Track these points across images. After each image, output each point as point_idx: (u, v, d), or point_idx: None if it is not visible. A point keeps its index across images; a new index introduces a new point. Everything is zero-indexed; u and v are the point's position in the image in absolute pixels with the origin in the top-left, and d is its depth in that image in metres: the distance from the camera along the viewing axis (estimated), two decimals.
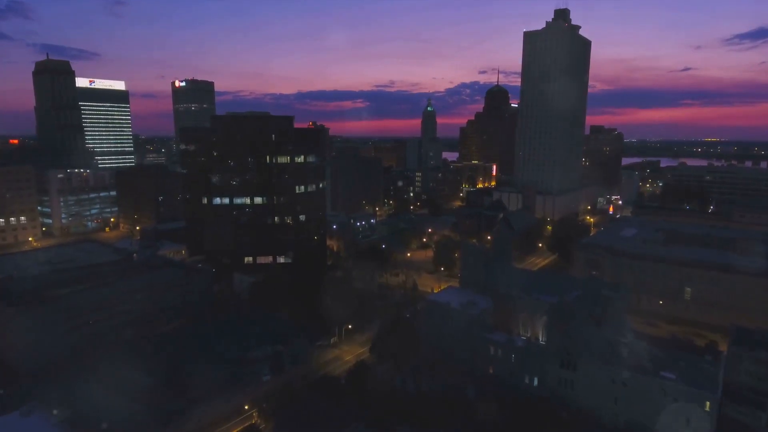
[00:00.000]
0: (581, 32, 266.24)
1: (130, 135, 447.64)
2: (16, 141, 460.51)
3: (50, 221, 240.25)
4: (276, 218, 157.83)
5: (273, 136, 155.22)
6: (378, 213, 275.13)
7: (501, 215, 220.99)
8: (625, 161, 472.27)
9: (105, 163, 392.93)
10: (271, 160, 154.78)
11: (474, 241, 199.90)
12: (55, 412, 79.85)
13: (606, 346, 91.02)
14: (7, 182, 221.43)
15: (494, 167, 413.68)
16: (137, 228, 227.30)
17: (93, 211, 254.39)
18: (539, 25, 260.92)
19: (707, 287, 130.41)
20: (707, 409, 76.63)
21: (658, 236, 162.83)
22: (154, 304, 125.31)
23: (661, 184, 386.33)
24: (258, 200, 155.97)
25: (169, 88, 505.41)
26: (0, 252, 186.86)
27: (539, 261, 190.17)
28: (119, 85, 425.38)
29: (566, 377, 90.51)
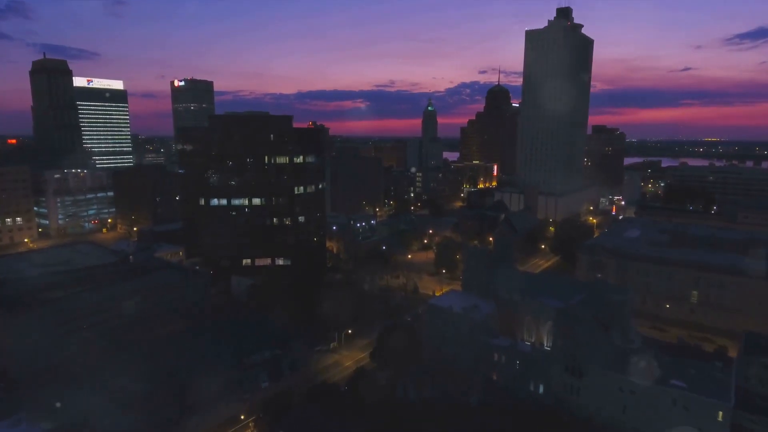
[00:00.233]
0: (583, 31, 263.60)
1: (128, 135, 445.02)
2: (14, 141, 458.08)
3: (47, 222, 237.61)
4: (275, 219, 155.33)
5: (271, 136, 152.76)
6: (378, 213, 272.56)
7: (503, 216, 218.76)
8: (626, 161, 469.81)
9: (103, 163, 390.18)
10: (269, 160, 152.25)
11: (475, 242, 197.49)
12: (42, 424, 77.06)
13: (613, 352, 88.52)
14: (3, 183, 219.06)
15: (495, 167, 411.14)
16: (134, 229, 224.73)
17: (90, 212, 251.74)
18: (539, 25, 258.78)
19: (714, 290, 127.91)
20: (720, 419, 74.09)
21: (663, 238, 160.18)
22: (150, 308, 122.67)
23: (662, 185, 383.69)
24: (256, 201, 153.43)
25: (169, 88, 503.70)
26: None
27: (542, 263, 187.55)
28: (117, 85, 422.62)
29: (572, 384, 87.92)
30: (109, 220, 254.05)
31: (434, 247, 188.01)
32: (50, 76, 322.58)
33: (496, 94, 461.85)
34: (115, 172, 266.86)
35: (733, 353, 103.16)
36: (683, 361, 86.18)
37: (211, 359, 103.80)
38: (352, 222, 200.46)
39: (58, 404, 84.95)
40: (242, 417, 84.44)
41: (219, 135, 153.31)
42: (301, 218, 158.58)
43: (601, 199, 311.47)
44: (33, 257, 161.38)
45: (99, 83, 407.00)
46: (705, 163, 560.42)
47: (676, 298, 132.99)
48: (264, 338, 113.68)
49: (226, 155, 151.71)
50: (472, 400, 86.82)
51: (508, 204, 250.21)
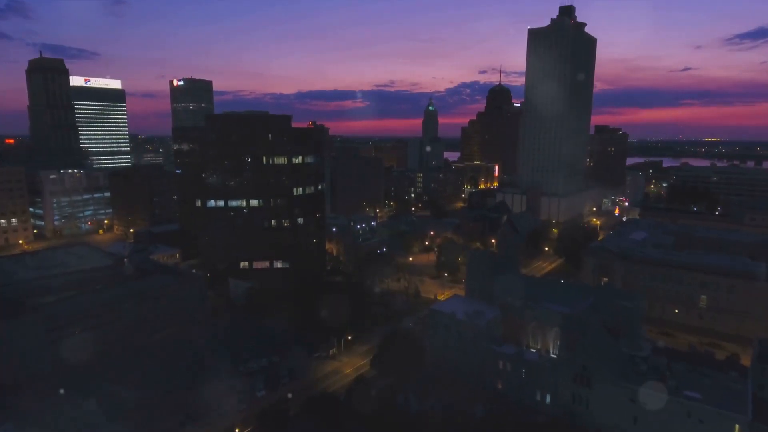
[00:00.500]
0: (586, 30, 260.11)
1: (126, 134, 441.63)
2: (11, 141, 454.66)
3: (42, 223, 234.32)
4: (273, 221, 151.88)
5: (270, 136, 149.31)
6: (378, 214, 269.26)
7: (505, 217, 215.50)
8: (628, 161, 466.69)
9: (100, 163, 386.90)
10: (267, 161, 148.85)
11: (477, 244, 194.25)
12: None
13: (623, 361, 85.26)
14: None
15: (496, 168, 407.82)
16: (131, 230, 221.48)
17: (87, 213, 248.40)
18: (539, 25, 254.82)
19: (724, 294, 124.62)
20: None
21: (669, 240, 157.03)
22: (145, 313, 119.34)
23: (665, 185, 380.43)
24: (254, 202, 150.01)
25: (168, 88, 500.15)
26: None
27: (545, 265, 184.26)
28: (115, 84, 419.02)
29: (581, 394, 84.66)
30: (106, 221, 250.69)
31: (435, 249, 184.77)
32: (46, 75, 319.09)
33: (497, 94, 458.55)
34: (112, 173, 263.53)
35: (745, 361, 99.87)
36: (696, 371, 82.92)
37: (207, 366, 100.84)
38: (352, 223, 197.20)
39: (49, 413, 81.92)
40: (237, 431, 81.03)
41: (216, 135, 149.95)
42: (300, 220, 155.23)
43: (604, 200, 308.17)
44: (27, 260, 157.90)
45: (96, 82, 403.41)
46: (706, 163, 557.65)
47: (684, 303, 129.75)
48: (261, 344, 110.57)
49: (223, 156, 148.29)
50: (476, 411, 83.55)
51: (510, 205, 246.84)
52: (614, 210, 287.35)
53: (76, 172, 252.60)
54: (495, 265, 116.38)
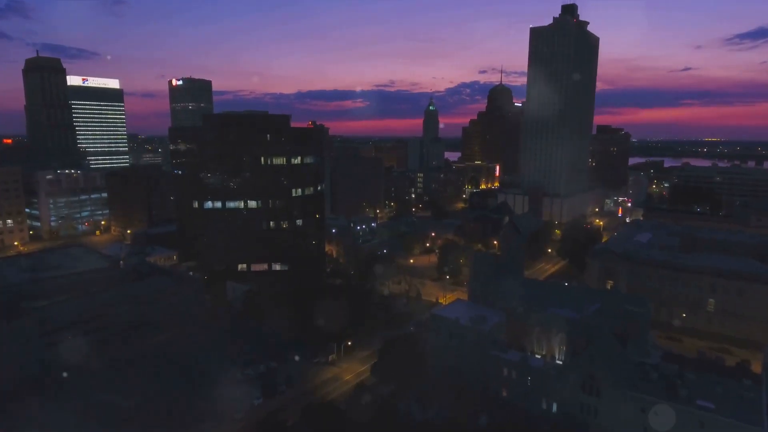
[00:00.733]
0: (589, 28, 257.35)
1: (124, 134, 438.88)
2: (9, 141, 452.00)
3: (39, 224, 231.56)
4: (271, 223, 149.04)
5: (268, 135, 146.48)
6: (379, 215, 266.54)
7: (507, 218, 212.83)
8: (628, 162, 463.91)
9: (98, 163, 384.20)
10: (266, 161, 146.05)
11: (479, 246, 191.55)
12: None
13: (632, 369, 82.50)
14: None
15: (497, 168, 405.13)
16: (128, 231, 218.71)
17: (84, 214, 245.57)
18: (539, 25, 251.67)
19: (733, 298, 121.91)
20: None
21: (675, 241, 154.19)
22: (140, 317, 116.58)
23: (666, 185, 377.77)
24: (252, 204, 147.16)
25: (168, 88, 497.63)
26: None
27: (548, 267, 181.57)
28: (113, 84, 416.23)
29: (589, 403, 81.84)
30: (103, 222, 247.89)
31: (437, 251, 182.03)
32: (43, 74, 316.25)
33: (499, 94, 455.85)
34: (109, 173, 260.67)
35: (756, 367, 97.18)
36: (708, 378, 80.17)
37: (203, 373, 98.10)
38: (352, 225, 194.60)
39: (40, 420, 79.46)
40: None
41: (213, 135, 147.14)
42: (299, 221, 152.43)
43: (606, 201, 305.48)
44: (21, 261, 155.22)
45: (94, 82, 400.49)
46: (707, 163, 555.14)
47: (691, 306, 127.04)
48: (259, 349, 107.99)
49: (220, 156, 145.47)
50: (480, 420, 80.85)
51: (512, 206, 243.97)
52: (617, 211, 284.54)
53: (73, 173, 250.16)
54: (498, 267, 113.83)
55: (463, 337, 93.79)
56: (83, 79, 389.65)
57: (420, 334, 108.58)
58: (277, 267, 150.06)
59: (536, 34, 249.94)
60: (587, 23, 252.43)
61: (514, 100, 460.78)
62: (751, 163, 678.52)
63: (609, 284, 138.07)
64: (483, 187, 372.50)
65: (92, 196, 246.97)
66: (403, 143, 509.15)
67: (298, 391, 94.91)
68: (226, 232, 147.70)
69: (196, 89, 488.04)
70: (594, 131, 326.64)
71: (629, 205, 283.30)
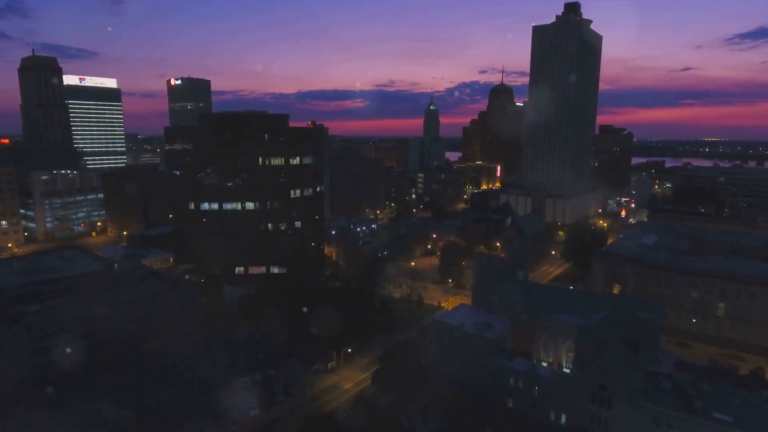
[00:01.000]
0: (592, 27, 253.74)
1: (122, 134, 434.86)
2: (7, 141, 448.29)
3: (34, 225, 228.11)
4: (269, 225, 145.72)
5: (266, 135, 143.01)
6: (379, 216, 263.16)
7: (509, 220, 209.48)
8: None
9: (95, 163, 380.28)
10: (263, 161, 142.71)
11: (482, 247, 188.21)
12: None
13: (644, 379, 79.14)
14: None
15: (498, 168, 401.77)
16: (124, 233, 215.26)
17: (80, 215, 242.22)
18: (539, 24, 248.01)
19: (743, 303, 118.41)
20: None
21: (682, 244, 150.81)
22: (134, 322, 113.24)
23: (668, 186, 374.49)
24: (250, 205, 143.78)
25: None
26: None
27: (552, 270, 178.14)
28: (111, 83, 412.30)
29: (600, 415, 78.43)
30: (99, 223, 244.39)
31: (438, 253, 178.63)
32: (39, 73, 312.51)
33: (500, 93, 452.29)
34: (105, 173, 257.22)
35: None
36: (724, 389, 76.89)
37: (197, 381, 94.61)
38: (352, 226, 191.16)
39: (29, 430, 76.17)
40: None
41: (209, 135, 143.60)
42: (298, 223, 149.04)
43: (609, 201, 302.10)
44: (14, 264, 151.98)
45: (92, 81, 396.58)
46: (708, 163, 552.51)
47: (700, 311, 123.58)
48: (256, 356, 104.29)
49: (216, 156, 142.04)
50: None
51: (514, 207, 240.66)
52: (620, 212, 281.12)
53: (69, 173, 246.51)
54: (503, 272, 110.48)
55: (467, 345, 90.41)
56: (80, 79, 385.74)
57: (422, 340, 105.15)
58: (275, 270, 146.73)
59: (539, 32, 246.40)
60: (590, 21, 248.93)
61: (515, 100, 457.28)
62: (752, 163, 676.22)
63: (615, 288, 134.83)
64: (484, 187, 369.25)
65: (88, 196, 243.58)
66: (403, 143, 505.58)
67: (296, 401, 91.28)
68: (223, 234, 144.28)
69: (195, 89, 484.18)
70: (596, 131, 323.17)
71: (633, 206, 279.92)
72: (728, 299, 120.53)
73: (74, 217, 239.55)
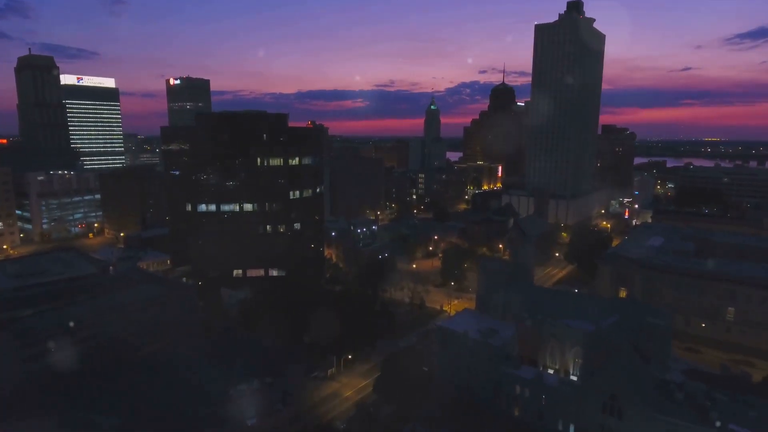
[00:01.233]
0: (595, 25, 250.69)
1: (120, 134, 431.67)
2: (5, 141, 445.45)
3: (30, 227, 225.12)
4: (268, 227, 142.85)
5: (264, 135, 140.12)
6: (380, 217, 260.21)
7: (512, 221, 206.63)
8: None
9: (93, 163, 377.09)
10: (262, 162, 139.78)
11: (484, 249, 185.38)
12: None
13: (656, 388, 76.22)
14: None
15: (500, 168, 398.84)
16: (122, 234, 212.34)
17: (77, 216, 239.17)
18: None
19: (754, 307, 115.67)
20: None
21: (689, 246, 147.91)
22: (129, 327, 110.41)
23: (671, 186, 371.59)
24: (248, 207, 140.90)
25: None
26: None
27: (556, 272, 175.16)
28: (109, 82, 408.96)
29: (610, 426, 75.49)
30: (96, 225, 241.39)
31: (440, 255, 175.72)
32: (36, 72, 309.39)
33: (501, 93, 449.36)
34: (102, 174, 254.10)
35: None
36: (739, 399, 73.96)
37: (193, 388, 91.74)
38: (352, 227, 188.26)
39: None
40: None
41: (206, 135, 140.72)
42: (297, 225, 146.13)
43: (612, 202, 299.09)
44: (7, 267, 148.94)
45: (89, 81, 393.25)
46: (709, 163, 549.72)
47: (709, 315, 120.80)
48: (254, 362, 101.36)
49: (214, 157, 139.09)
50: None
51: (516, 207, 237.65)
52: (623, 212, 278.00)
53: (66, 174, 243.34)
54: (508, 276, 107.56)
55: (472, 352, 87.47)
56: (78, 78, 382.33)
57: (425, 346, 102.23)
58: (274, 273, 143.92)
59: (541, 31, 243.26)
60: (593, 20, 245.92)
61: (516, 100, 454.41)
62: (753, 163, 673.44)
63: (622, 291, 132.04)
64: (485, 187, 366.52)
65: (85, 197, 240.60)
66: (403, 143, 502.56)
67: (294, 410, 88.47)
68: (220, 236, 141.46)
69: (194, 89, 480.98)
70: (599, 131, 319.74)
71: (636, 206, 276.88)
72: (738, 303, 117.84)
73: (71, 218, 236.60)
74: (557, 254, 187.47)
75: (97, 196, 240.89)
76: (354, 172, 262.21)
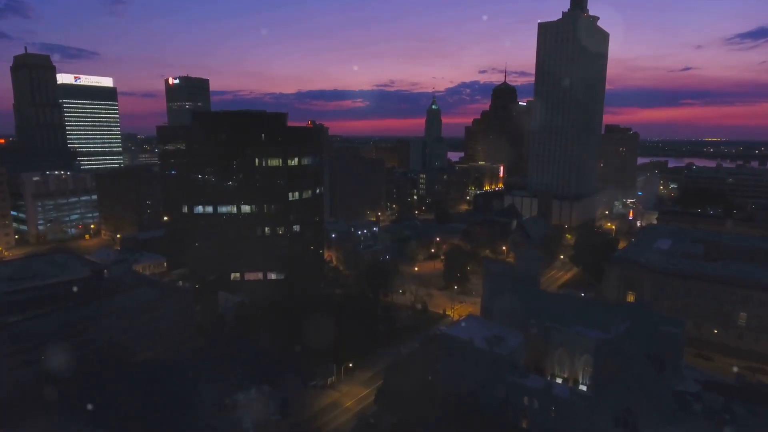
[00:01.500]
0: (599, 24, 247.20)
1: (118, 134, 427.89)
2: (2, 141, 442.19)
3: (25, 228, 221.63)
4: (266, 229, 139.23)
5: (263, 135, 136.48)
6: (380, 218, 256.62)
7: (515, 223, 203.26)
8: None
9: (91, 163, 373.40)
10: (260, 162, 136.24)
11: (487, 251, 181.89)
12: None
13: (671, 399, 72.72)
14: None
15: (501, 168, 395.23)
16: (118, 236, 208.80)
17: (73, 217, 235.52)
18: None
19: (767, 312, 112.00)
20: None
21: (698, 249, 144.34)
22: (122, 333, 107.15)
23: (673, 186, 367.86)
24: (246, 208, 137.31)
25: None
26: None
27: (560, 275, 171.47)
28: (107, 82, 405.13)
29: None
30: (92, 226, 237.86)
31: (442, 257, 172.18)
32: (32, 71, 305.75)
33: (503, 93, 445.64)
34: (98, 174, 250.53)
35: None
36: (759, 412, 70.38)
37: (188, 398, 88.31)
38: (352, 229, 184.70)
39: None
40: None
41: (203, 134, 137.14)
42: (296, 227, 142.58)
43: (615, 203, 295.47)
44: (0, 270, 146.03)
45: (87, 80, 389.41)
46: (711, 163, 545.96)
47: (720, 321, 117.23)
48: (251, 370, 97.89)
49: (211, 157, 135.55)
50: None
51: (519, 208, 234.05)
52: (627, 213, 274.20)
53: (62, 174, 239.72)
54: (514, 279, 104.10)
55: (477, 362, 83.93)
56: (75, 77, 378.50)
57: (428, 354, 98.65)
58: (272, 276, 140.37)
59: (544, 29, 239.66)
60: (597, 18, 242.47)
61: (518, 100, 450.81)
62: (755, 163, 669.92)
63: (630, 296, 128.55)
64: (487, 188, 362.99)
65: (82, 198, 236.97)
66: (404, 143, 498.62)
67: (293, 421, 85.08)
68: (218, 238, 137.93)
69: (193, 88, 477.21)
70: (602, 131, 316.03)
71: (640, 207, 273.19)
72: (751, 308, 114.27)
73: (67, 219, 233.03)
74: (562, 257, 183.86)
75: (94, 197, 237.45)
76: (354, 173, 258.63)
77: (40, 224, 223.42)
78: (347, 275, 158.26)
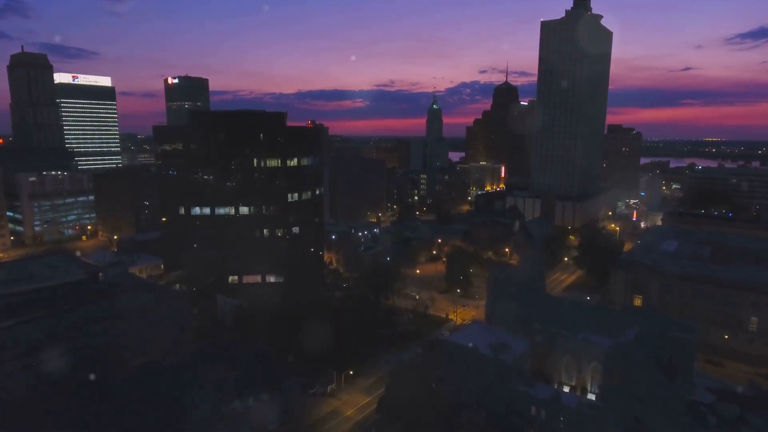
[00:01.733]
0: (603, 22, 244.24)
1: (116, 134, 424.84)
2: (1, 141, 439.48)
3: (21, 229, 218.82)
4: (265, 231, 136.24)
5: (261, 135, 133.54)
6: (381, 219, 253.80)
7: (518, 224, 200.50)
8: None
9: (89, 163, 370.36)
10: (259, 163, 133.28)
11: (489, 253, 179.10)
12: None
13: (684, 410, 69.98)
14: None
15: (503, 169, 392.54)
16: (115, 237, 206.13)
17: (70, 218, 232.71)
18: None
19: None
20: None
21: (705, 251, 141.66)
22: (117, 338, 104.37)
23: (676, 187, 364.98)
24: (244, 210, 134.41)
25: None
26: None
27: (564, 277, 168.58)
28: (105, 81, 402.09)
29: None
30: (89, 227, 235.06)
31: (444, 259, 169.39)
32: (29, 71, 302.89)
33: (504, 92, 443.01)
34: (95, 174, 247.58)
35: None
36: None
37: (183, 406, 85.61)
38: (353, 231, 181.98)
39: None
40: None
41: (201, 134, 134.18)
42: (296, 229, 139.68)
43: (618, 203, 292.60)
44: None
45: (85, 80, 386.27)
46: (712, 163, 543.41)
47: (730, 325, 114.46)
48: (249, 377, 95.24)
49: (209, 157, 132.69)
50: None
51: (521, 209, 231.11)
52: (631, 214, 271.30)
53: (59, 174, 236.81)
54: (519, 283, 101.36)
55: (482, 369, 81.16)
56: (73, 77, 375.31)
57: (430, 361, 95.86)
58: (271, 279, 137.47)
59: (547, 28, 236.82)
60: (600, 17, 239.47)
61: (519, 100, 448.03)
62: (756, 164, 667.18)
63: (636, 299, 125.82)
64: (488, 188, 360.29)
65: (79, 198, 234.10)
66: (404, 143, 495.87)
67: (292, 430, 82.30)
68: (215, 240, 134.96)
69: (193, 88, 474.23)
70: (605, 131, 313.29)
71: (644, 208, 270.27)
72: (762, 312, 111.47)
73: (64, 219, 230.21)
74: (566, 258, 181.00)
75: (91, 198, 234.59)
76: (354, 173, 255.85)
77: (37, 225, 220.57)
78: (348, 277, 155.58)
